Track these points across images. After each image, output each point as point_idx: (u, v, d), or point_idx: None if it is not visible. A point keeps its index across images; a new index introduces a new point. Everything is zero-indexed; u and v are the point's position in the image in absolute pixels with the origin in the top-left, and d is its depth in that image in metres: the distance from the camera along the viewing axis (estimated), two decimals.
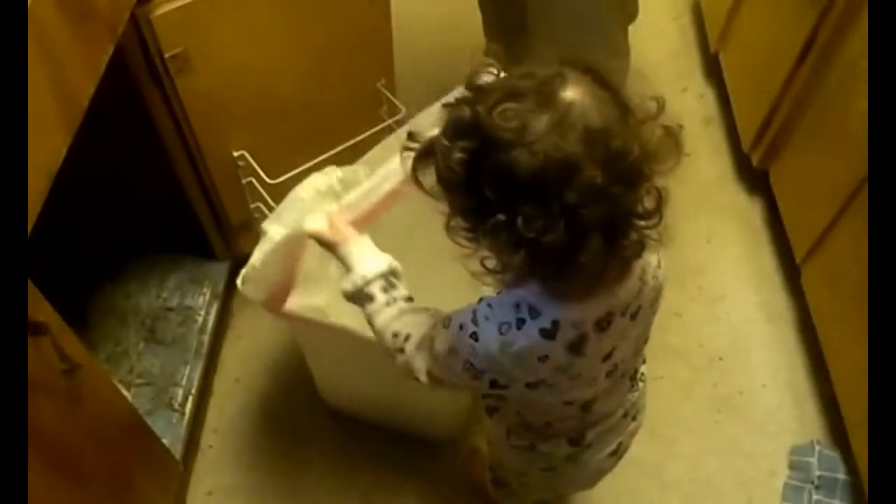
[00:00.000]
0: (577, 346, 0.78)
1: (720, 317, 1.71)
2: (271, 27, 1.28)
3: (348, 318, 1.12)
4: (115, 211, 1.54)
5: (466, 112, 0.71)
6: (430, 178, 0.76)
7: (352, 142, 1.43)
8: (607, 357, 0.83)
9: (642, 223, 0.72)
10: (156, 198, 1.46)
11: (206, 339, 1.51)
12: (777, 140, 1.70)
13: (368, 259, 0.93)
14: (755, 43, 1.79)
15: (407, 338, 0.89)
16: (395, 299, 0.91)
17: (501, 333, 0.78)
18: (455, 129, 0.72)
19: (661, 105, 0.72)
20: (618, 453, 1.05)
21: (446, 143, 0.72)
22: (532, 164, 0.66)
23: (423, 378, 0.89)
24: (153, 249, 1.61)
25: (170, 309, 1.54)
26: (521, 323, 0.77)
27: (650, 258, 0.81)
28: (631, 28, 1.62)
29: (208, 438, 1.53)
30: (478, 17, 1.66)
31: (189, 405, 1.43)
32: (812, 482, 1.48)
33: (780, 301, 1.73)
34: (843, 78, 1.45)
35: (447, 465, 1.49)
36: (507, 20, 1.54)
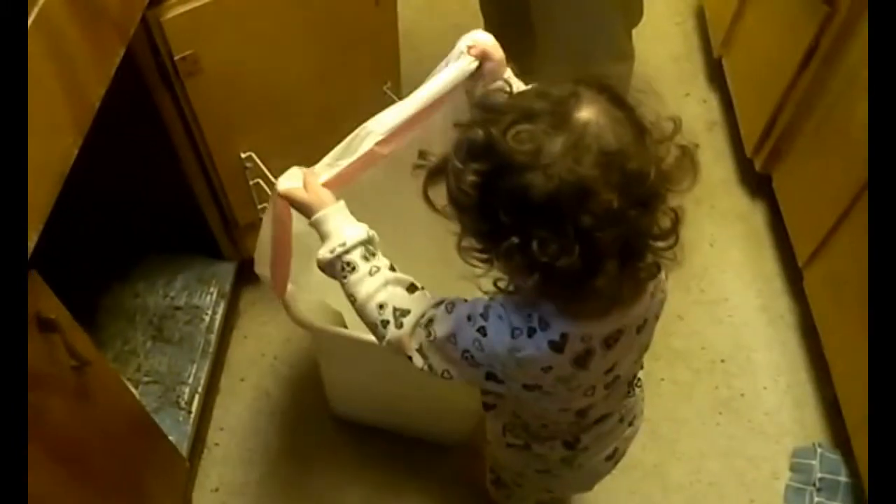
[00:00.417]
0: (582, 360, 0.78)
1: (722, 319, 1.71)
2: (280, 31, 1.29)
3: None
4: (125, 211, 1.56)
5: (480, 134, 0.69)
6: (441, 198, 0.74)
7: None
8: (609, 370, 0.83)
9: (658, 244, 0.71)
10: (164, 198, 1.47)
11: (212, 338, 1.52)
12: (780, 145, 1.70)
13: (346, 226, 0.87)
14: (758, 48, 1.80)
15: (398, 312, 0.84)
16: (378, 268, 0.85)
17: (513, 338, 0.77)
18: (468, 150, 0.70)
19: (678, 125, 0.71)
20: (614, 458, 1.05)
21: (459, 164, 0.70)
22: (547, 188, 0.65)
23: (416, 358, 0.85)
24: (161, 249, 1.62)
25: (177, 308, 1.55)
26: (531, 332, 0.76)
27: (661, 274, 0.80)
28: (634, 32, 1.62)
29: (214, 436, 1.54)
30: (481, 23, 1.66)
31: (196, 403, 1.44)
32: (814, 484, 1.48)
33: (781, 304, 1.73)
34: (845, 84, 1.46)
35: (452, 467, 1.50)
36: (508, 19, 1.55)
